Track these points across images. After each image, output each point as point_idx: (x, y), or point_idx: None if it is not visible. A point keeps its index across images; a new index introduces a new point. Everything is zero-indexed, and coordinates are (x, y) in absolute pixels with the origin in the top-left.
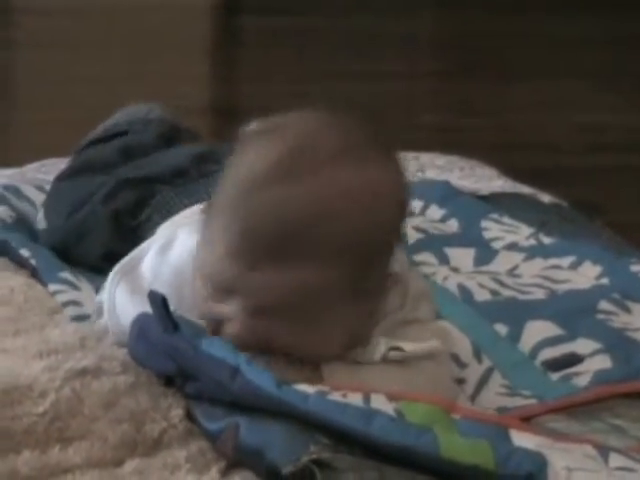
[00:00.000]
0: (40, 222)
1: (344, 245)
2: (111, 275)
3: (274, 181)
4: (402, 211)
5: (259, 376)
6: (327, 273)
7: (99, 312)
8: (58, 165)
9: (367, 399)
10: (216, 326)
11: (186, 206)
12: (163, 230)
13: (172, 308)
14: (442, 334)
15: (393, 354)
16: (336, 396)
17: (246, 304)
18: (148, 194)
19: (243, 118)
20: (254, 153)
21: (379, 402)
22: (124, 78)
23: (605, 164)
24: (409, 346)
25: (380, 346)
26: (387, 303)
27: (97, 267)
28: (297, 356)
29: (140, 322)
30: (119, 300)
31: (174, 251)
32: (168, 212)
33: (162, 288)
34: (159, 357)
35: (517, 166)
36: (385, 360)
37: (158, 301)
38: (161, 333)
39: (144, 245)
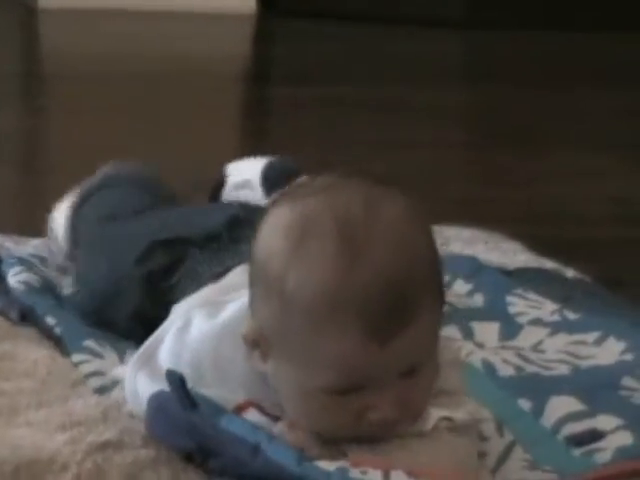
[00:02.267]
0: (69, 285)
1: (434, 290)
2: (130, 362)
3: (353, 264)
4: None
5: (280, 454)
6: (434, 299)
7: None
8: None
9: (387, 476)
10: (357, 418)
11: (214, 274)
12: (177, 312)
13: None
14: (474, 405)
15: (444, 424)
16: (356, 473)
17: (385, 380)
18: (180, 257)
19: None
20: (309, 249)
21: (399, 479)
22: (151, 147)
23: (631, 237)
24: (459, 415)
25: (431, 417)
26: None
27: (126, 328)
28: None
29: (159, 399)
30: (141, 388)
31: (191, 335)
32: (197, 279)
33: (183, 371)
34: (178, 434)
35: (543, 238)
36: (436, 430)
37: (176, 380)
38: (180, 411)
39: (159, 331)
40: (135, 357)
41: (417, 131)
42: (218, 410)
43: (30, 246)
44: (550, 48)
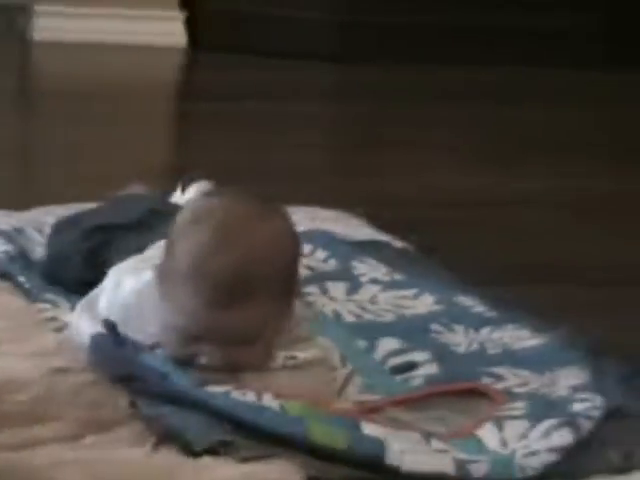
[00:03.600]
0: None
1: (279, 276)
2: (76, 308)
3: (217, 251)
4: (298, 247)
5: (181, 380)
6: (269, 302)
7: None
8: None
9: (260, 397)
10: (189, 360)
11: (139, 249)
12: (111, 275)
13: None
14: (322, 347)
15: (290, 362)
16: (237, 394)
17: (216, 340)
18: (113, 237)
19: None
20: (196, 234)
21: (268, 400)
22: (104, 147)
23: (441, 217)
24: (301, 355)
25: (280, 356)
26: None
27: (74, 289)
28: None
29: (97, 339)
30: (82, 327)
31: (121, 293)
32: (125, 253)
33: (116, 318)
34: (111, 364)
35: (382, 218)
36: (285, 366)
37: (111, 325)
38: (113, 347)
39: (98, 288)
40: (79, 305)
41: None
42: (139, 348)
43: (14, 218)
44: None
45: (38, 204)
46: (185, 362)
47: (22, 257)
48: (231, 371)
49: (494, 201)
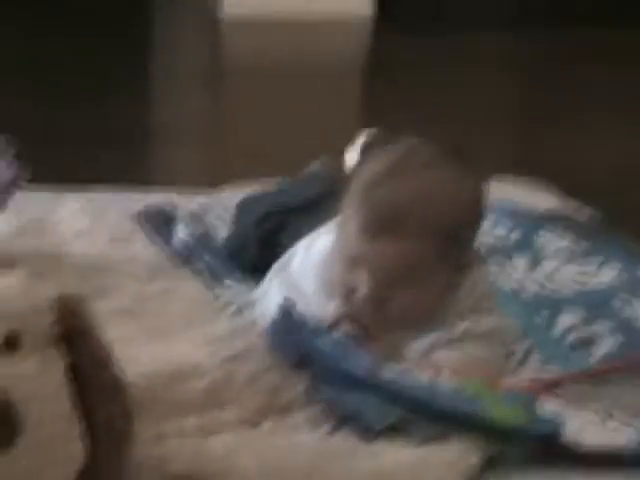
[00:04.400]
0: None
1: (435, 226)
2: (269, 273)
3: (387, 179)
4: (479, 208)
5: (356, 363)
6: (424, 245)
7: (253, 305)
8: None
9: (434, 378)
10: (348, 293)
11: (315, 229)
12: (305, 240)
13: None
14: (502, 320)
15: (470, 330)
16: (412, 377)
17: (369, 272)
18: (286, 221)
19: None
20: (373, 162)
21: (444, 379)
22: (295, 125)
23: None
24: (483, 324)
25: (460, 325)
26: (462, 289)
27: (251, 273)
28: (401, 322)
29: (273, 324)
30: (271, 291)
31: (316, 247)
32: (298, 237)
33: (306, 277)
34: (287, 349)
35: (575, 187)
36: (465, 335)
37: (287, 310)
38: (287, 333)
39: (292, 249)
40: (272, 270)
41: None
42: (315, 332)
43: (196, 202)
44: None
45: (228, 183)
46: (346, 295)
47: (204, 240)
48: (382, 316)
49: None
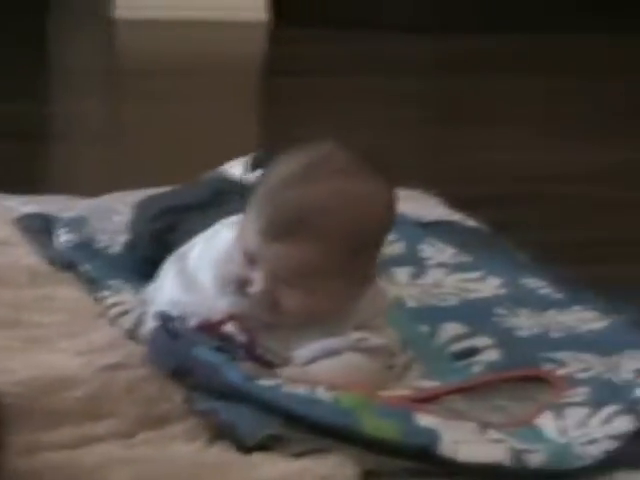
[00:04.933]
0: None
1: (338, 234)
2: (167, 261)
3: (294, 183)
4: (388, 220)
5: (232, 373)
6: (325, 252)
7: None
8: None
9: (313, 390)
10: (242, 286)
11: (205, 229)
12: (211, 229)
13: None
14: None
15: (362, 344)
16: (288, 387)
17: (265, 270)
18: (180, 219)
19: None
20: (283, 164)
21: (321, 392)
22: (190, 125)
23: (520, 192)
24: (373, 341)
25: (352, 337)
26: (361, 301)
27: (140, 271)
28: (292, 324)
29: (151, 333)
30: (167, 281)
31: (218, 240)
32: (192, 234)
33: (204, 268)
34: (165, 358)
35: (464, 195)
36: (354, 348)
37: (165, 317)
38: (166, 341)
39: (194, 239)
40: (170, 257)
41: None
42: (193, 341)
43: (79, 208)
44: None
45: (124, 186)
46: (240, 289)
47: (86, 245)
48: (275, 314)
49: (573, 175)
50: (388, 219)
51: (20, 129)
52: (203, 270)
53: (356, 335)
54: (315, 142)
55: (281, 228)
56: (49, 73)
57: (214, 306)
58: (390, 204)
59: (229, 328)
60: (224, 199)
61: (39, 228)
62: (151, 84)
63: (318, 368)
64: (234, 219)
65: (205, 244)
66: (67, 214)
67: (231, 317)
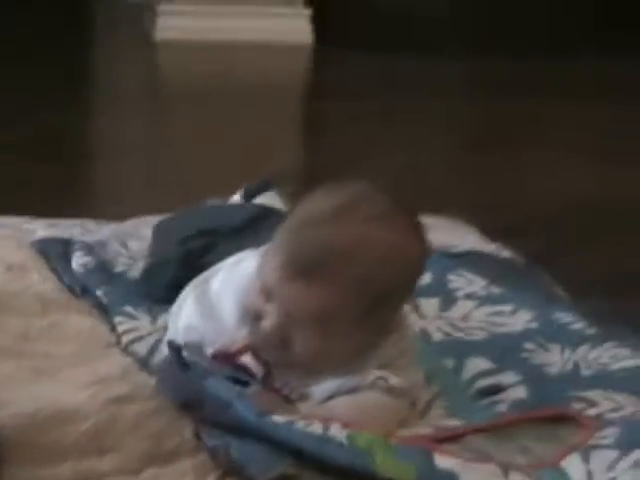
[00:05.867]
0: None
1: (358, 281)
2: (188, 286)
3: (321, 223)
4: (416, 273)
5: (245, 409)
6: (342, 298)
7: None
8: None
9: (326, 427)
10: (256, 319)
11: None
12: (233, 257)
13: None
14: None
15: (380, 382)
16: (301, 424)
17: (280, 307)
18: (212, 242)
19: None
20: (312, 202)
21: (335, 430)
22: (232, 148)
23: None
24: (394, 381)
25: (371, 377)
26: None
27: (165, 297)
28: (303, 365)
29: (162, 363)
30: (186, 306)
31: (241, 267)
32: (227, 257)
33: (226, 297)
34: (176, 390)
35: (497, 223)
36: (373, 387)
37: (175, 348)
38: (176, 372)
39: (217, 266)
40: (192, 283)
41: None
42: (204, 373)
43: (101, 233)
44: None
45: (165, 205)
46: (253, 320)
47: (102, 270)
48: (285, 353)
49: (611, 200)
50: (414, 272)
51: (65, 148)
52: (224, 298)
53: (376, 374)
54: (349, 182)
55: (301, 267)
56: (94, 92)
57: (233, 335)
58: (418, 256)
59: (246, 359)
60: (260, 226)
61: (57, 252)
62: (194, 105)
63: (335, 404)
64: (258, 250)
65: (228, 271)
66: (86, 237)
67: (249, 348)
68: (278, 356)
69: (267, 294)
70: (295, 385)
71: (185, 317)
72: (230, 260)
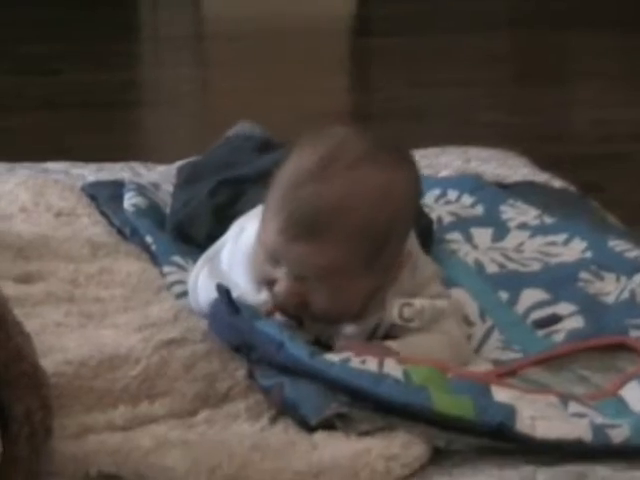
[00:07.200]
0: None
1: (360, 231)
2: (199, 260)
3: (310, 180)
4: (411, 206)
5: (297, 349)
6: (347, 251)
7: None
8: None
9: (381, 364)
10: (269, 286)
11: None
12: (235, 225)
13: (235, 295)
14: (453, 301)
15: (406, 310)
16: (356, 362)
17: (288, 270)
18: (241, 191)
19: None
20: (297, 159)
21: (390, 367)
22: (277, 91)
23: (611, 152)
24: (418, 302)
25: (394, 307)
26: (400, 276)
27: (203, 246)
28: (325, 317)
29: (212, 306)
30: (201, 282)
31: (243, 239)
32: (253, 206)
33: (236, 267)
34: (228, 332)
35: (546, 154)
36: (401, 317)
37: (224, 292)
38: (227, 315)
39: (223, 238)
40: (202, 256)
41: (467, 70)
42: (254, 314)
43: (156, 172)
44: None
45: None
46: (266, 286)
47: (153, 212)
48: (304, 312)
49: None
50: (410, 206)
51: (108, 96)
52: (235, 269)
53: (398, 301)
54: (329, 129)
55: (299, 230)
56: (139, 40)
57: (255, 301)
58: (410, 188)
59: (278, 317)
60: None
61: (108, 195)
62: (238, 48)
63: (387, 345)
64: (256, 211)
65: (233, 243)
66: (138, 180)
67: (276, 309)
68: (300, 313)
69: (274, 260)
70: (330, 332)
71: (204, 292)
72: (231, 233)
